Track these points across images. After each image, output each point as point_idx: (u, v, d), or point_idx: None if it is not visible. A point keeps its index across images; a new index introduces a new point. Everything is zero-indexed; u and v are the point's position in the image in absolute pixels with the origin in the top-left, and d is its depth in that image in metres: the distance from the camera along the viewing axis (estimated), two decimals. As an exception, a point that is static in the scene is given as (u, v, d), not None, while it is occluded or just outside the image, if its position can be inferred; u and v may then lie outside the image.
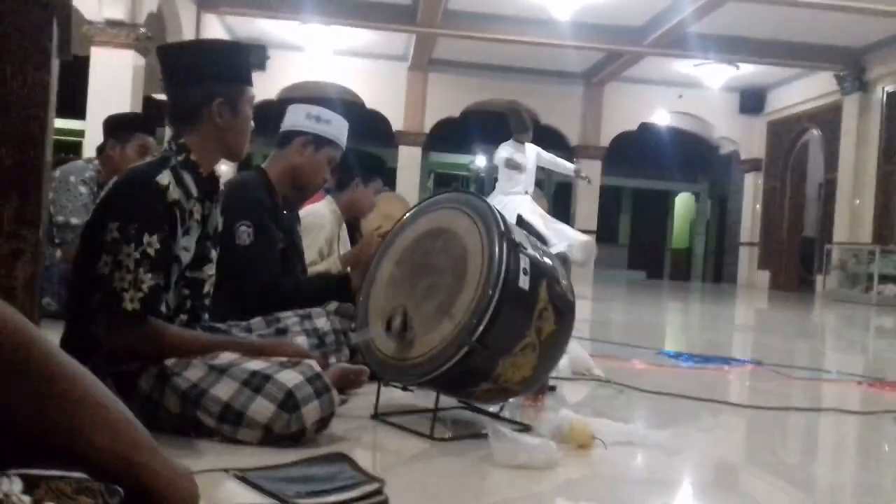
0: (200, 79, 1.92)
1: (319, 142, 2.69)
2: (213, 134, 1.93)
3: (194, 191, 1.89)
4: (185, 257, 1.89)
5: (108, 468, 0.79)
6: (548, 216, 8.08)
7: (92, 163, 3.74)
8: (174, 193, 1.82)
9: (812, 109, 13.79)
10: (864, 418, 2.74)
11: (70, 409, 0.78)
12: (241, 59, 2.02)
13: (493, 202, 7.11)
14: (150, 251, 1.75)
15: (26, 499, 0.72)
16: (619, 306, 8.53)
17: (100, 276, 1.73)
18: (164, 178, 1.81)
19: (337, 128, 2.75)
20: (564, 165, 8.51)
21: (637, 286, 14.37)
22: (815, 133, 13.92)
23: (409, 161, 14.60)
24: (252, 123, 2.04)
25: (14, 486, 0.72)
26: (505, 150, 7.94)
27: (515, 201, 7.86)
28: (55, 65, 1.32)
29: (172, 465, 0.86)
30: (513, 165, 7.85)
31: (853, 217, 12.10)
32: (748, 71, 13.54)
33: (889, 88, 11.66)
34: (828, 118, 13.25)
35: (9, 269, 1.17)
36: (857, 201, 12.05)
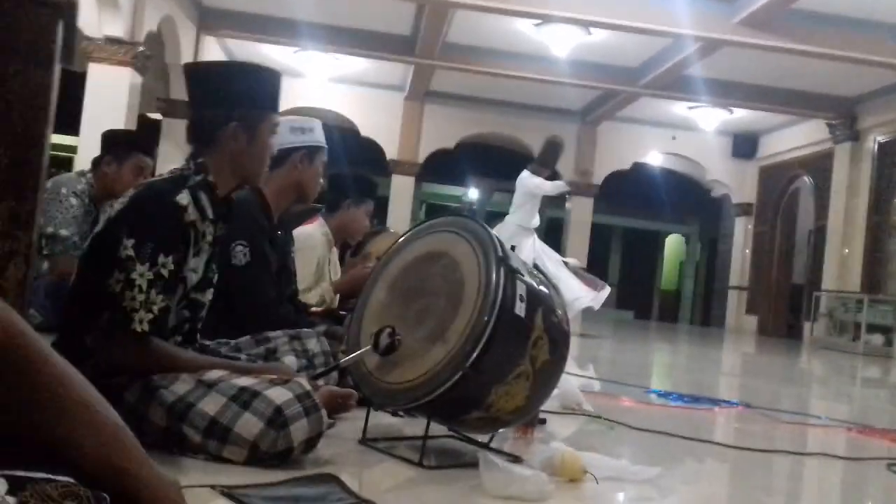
0: (220, 101, 1.90)
1: (311, 152, 2.70)
2: (229, 157, 1.91)
3: (210, 213, 1.87)
4: (192, 279, 1.87)
5: (96, 474, 0.76)
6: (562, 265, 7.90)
7: (85, 176, 3.71)
8: (191, 214, 1.80)
9: (804, 156, 13.91)
10: (852, 464, 2.71)
11: (61, 411, 0.75)
12: (267, 84, 1.98)
13: (509, 234, 7.02)
14: (164, 272, 1.72)
15: (11, 500, 0.69)
16: (608, 344, 8.50)
17: (110, 293, 1.70)
18: (184, 198, 1.79)
19: (319, 132, 2.79)
20: (554, 186, 8.33)
21: (625, 326, 14.35)
22: (806, 180, 14.03)
23: (401, 190, 14.62)
24: (274, 150, 2.02)
25: None
26: (535, 178, 7.58)
27: (537, 243, 7.66)
28: (57, 68, 1.30)
29: (161, 476, 0.84)
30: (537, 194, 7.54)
31: (842, 265, 12.15)
32: (742, 115, 13.68)
33: (881, 138, 11.79)
34: (819, 165, 13.37)
35: (0, 270, 1.15)
36: (846, 250, 12.12)
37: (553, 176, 8.07)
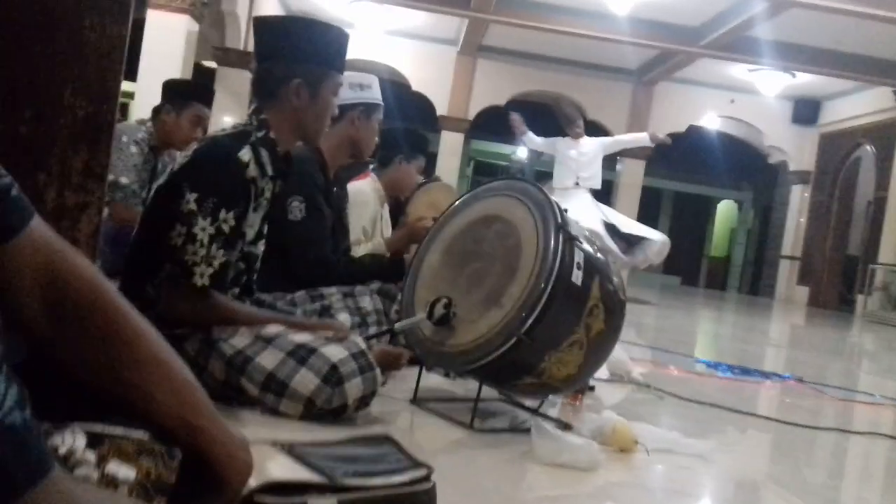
0: (285, 56, 1.89)
1: (368, 109, 2.69)
2: (291, 114, 1.90)
3: (269, 169, 1.87)
4: (250, 234, 1.88)
5: (168, 428, 0.77)
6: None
7: (145, 124, 3.74)
8: (252, 171, 1.80)
9: (867, 124, 13.48)
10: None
11: (138, 365, 0.76)
12: (333, 43, 1.97)
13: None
14: (225, 227, 1.73)
15: (91, 455, 0.70)
16: (654, 310, 8.43)
17: (171, 246, 1.72)
18: (246, 154, 1.79)
19: (376, 89, 2.77)
20: (633, 139, 8.35)
21: (672, 291, 14.22)
22: (868, 149, 13.61)
23: (451, 147, 14.55)
24: (336, 110, 2.01)
25: (77, 441, 0.71)
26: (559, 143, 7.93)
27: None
28: (130, 20, 1.30)
29: (231, 434, 0.85)
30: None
31: (900, 238, 11.84)
32: (804, 80, 13.27)
33: (949, 109, 11.37)
34: (882, 134, 12.95)
35: (74, 222, 1.16)
36: (906, 222, 11.79)
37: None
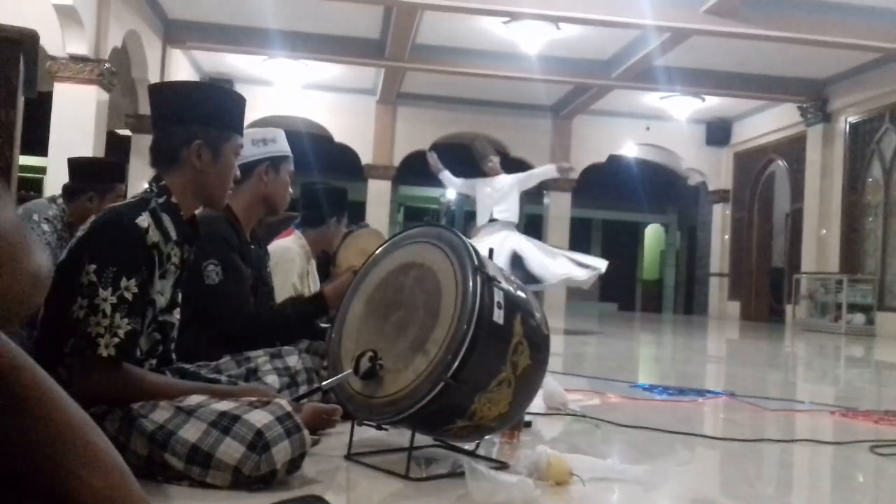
0: (183, 119, 1.88)
1: (276, 162, 2.65)
2: (192, 177, 1.89)
3: (174, 234, 1.84)
4: (160, 301, 1.84)
5: None
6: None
7: (56, 201, 3.66)
8: (153, 236, 1.77)
9: (777, 140, 14.04)
10: (839, 448, 2.73)
11: (68, 451, 0.74)
12: (231, 105, 1.97)
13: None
14: (128, 295, 1.70)
15: None
16: (592, 339, 8.52)
17: (74, 320, 1.68)
18: (144, 220, 1.77)
19: (282, 141, 2.72)
20: (543, 172, 8.58)
21: (609, 318, 14.41)
22: (780, 164, 14.15)
23: (378, 195, 14.60)
24: (237, 173, 2.00)
25: None
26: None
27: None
28: (20, 102, 1.28)
29: None
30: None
31: (820, 247, 12.27)
32: (714, 103, 13.78)
33: (851, 119, 11.91)
34: (792, 149, 13.49)
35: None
36: (824, 231, 12.24)
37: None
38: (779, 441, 2.83)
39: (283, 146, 2.70)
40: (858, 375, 6.40)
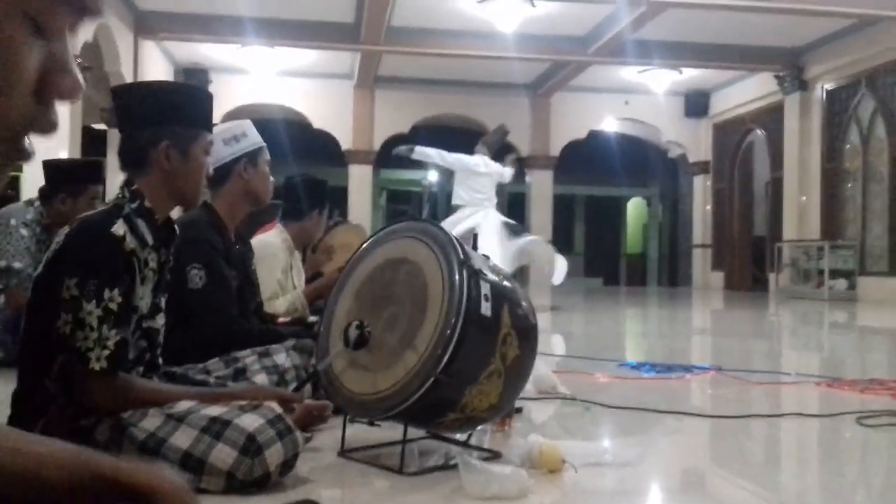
0: (149, 121, 1.85)
1: (252, 156, 2.63)
2: (163, 179, 1.86)
3: (150, 239, 1.82)
4: (142, 307, 1.83)
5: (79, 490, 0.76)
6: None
7: (33, 205, 3.62)
8: (130, 244, 1.75)
9: (755, 110, 14.08)
10: (825, 420, 2.77)
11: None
12: (198, 103, 1.95)
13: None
14: (113, 306, 1.68)
15: None
16: (579, 317, 8.56)
17: (61, 336, 1.66)
18: (119, 228, 1.74)
19: (252, 133, 2.68)
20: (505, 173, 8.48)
21: (595, 294, 14.47)
22: (759, 133, 14.21)
23: (359, 180, 14.55)
24: (210, 170, 1.98)
25: None
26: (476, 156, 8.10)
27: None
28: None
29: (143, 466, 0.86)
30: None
31: (801, 214, 12.36)
32: (692, 75, 13.79)
33: (828, 86, 11.97)
34: (771, 118, 13.54)
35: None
36: (804, 198, 12.32)
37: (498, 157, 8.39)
38: (766, 416, 2.86)
39: (254, 138, 2.67)
40: (843, 342, 6.48)
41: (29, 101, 0.53)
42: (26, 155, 0.56)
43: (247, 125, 2.71)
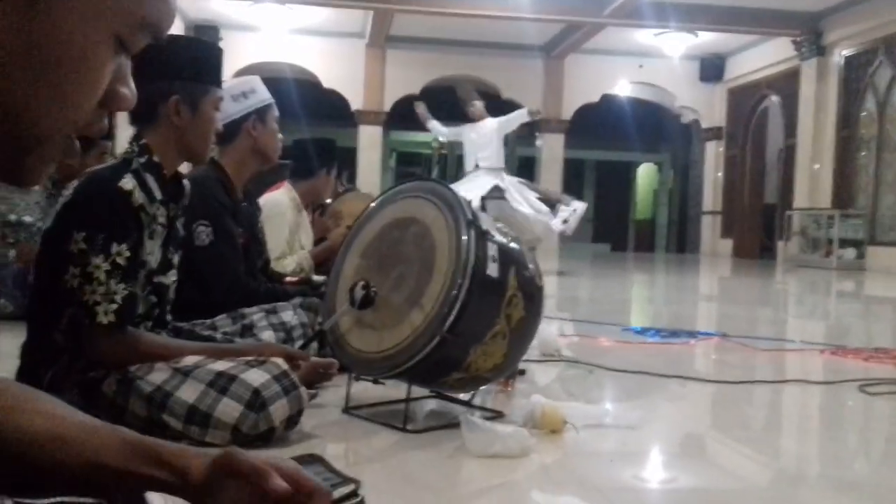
0: (160, 75, 1.84)
1: (261, 113, 2.63)
2: (172, 134, 1.86)
3: (158, 194, 1.82)
4: (151, 262, 1.84)
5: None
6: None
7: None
8: (138, 198, 1.75)
9: (771, 75, 13.91)
10: (828, 388, 2.78)
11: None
12: (208, 58, 1.95)
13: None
14: (121, 260, 1.69)
15: None
16: (585, 282, 8.57)
17: (69, 289, 1.67)
18: (128, 182, 1.74)
19: (261, 89, 2.68)
20: (517, 116, 8.47)
21: (602, 259, 14.47)
22: (773, 99, 14.05)
23: (369, 141, 14.49)
24: (219, 126, 1.98)
25: None
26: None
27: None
28: None
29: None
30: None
31: (812, 182, 12.27)
32: (707, 39, 13.61)
33: (846, 52, 11.79)
34: (786, 84, 13.38)
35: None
36: (817, 166, 12.22)
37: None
38: (769, 382, 2.87)
39: (263, 94, 2.67)
40: (849, 311, 6.47)
41: (95, 107, 0.58)
42: (76, 154, 0.60)
43: (255, 81, 2.70)
